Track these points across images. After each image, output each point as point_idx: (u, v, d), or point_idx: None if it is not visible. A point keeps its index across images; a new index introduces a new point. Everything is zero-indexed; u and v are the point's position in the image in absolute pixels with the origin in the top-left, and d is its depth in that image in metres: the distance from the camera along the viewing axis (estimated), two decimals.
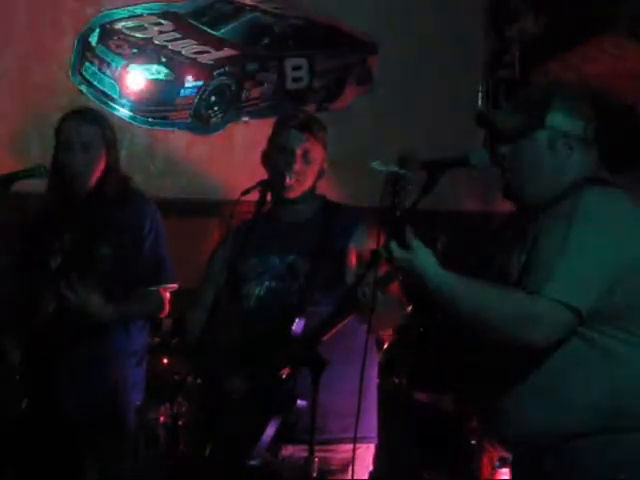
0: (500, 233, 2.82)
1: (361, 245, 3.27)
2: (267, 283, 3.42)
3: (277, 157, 3.41)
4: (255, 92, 5.70)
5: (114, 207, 3.78)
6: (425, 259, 2.55)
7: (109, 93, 5.57)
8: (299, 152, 3.37)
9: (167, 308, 3.89)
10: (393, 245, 2.55)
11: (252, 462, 3.14)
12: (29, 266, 3.84)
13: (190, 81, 5.63)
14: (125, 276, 3.74)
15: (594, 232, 2.49)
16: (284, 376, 3.05)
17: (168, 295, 3.86)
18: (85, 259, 3.69)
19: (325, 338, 2.97)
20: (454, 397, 4.52)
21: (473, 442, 4.23)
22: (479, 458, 4.13)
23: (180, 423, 4.18)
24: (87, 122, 3.81)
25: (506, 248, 2.66)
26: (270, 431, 3.10)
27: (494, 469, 4.07)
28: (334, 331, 3.04)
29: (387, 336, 3.40)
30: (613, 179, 2.64)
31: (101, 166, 3.79)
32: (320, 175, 3.46)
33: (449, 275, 2.54)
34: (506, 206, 2.82)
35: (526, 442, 2.60)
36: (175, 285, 3.88)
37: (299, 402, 3.09)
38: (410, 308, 3.51)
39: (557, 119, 2.62)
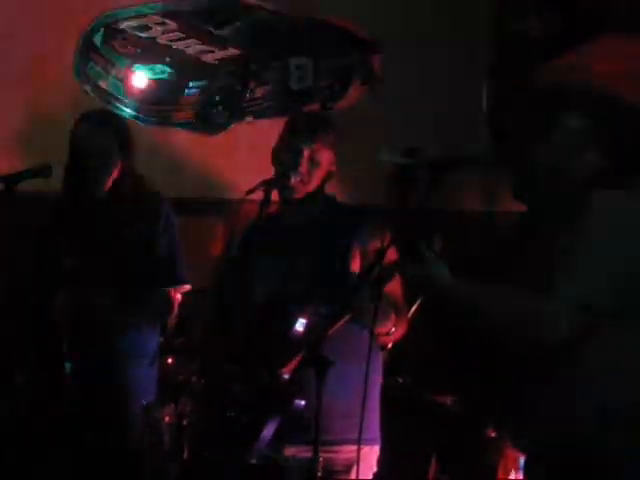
0: (509, 235, 2.82)
1: (365, 244, 3.27)
2: (271, 283, 3.42)
3: (284, 157, 3.41)
4: (259, 92, 5.69)
5: (130, 208, 3.78)
6: (438, 272, 2.55)
7: (113, 93, 5.57)
8: (306, 153, 3.37)
9: (176, 310, 3.89)
10: (405, 260, 2.56)
11: (252, 461, 3.15)
12: (42, 266, 3.84)
13: (194, 81, 5.63)
14: (140, 276, 3.74)
15: (610, 234, 2.49)
16: (285, 376, 3.06)
17: (179, 297, 3.86)
18: (100, 260, 3.69)
19: (328, 335, 2.97)
20: (468, 399, 4.51)
21: (491, 445, 4.22)
22: (496, 461, 4.12)
23: (185, 423, 4.17)
24: (103, 126, 3.79)
25: (518, 250, 2.66)
26: (269, 430, 3.10)
27: (511, 472, 4.06)
28: (336, 327, 3.05)
29: (389, 339, 3.37)
30: (623, 180, 2.65)
31: (117, 168, 3.79)
32: (328, 177, 3.46)
33: (462, 285, 2.55)
34: (508, 205, 2.82)
35: (541, 444, 2.59)
36: (188, 286, 3.87)
37: (296, 402, 3.09)
38: (416, 307, 3.51)
39: (569, 120, 2.62)
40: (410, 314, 3.51)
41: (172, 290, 3.85)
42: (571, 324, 2.45)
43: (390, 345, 3.63)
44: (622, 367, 2.51)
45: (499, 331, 2.54)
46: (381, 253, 2.74)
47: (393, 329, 3.28)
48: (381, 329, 3.26)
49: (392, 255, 2.85)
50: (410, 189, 2.67)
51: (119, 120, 3.94)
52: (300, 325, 3.20)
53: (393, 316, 3.27)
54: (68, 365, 3.72)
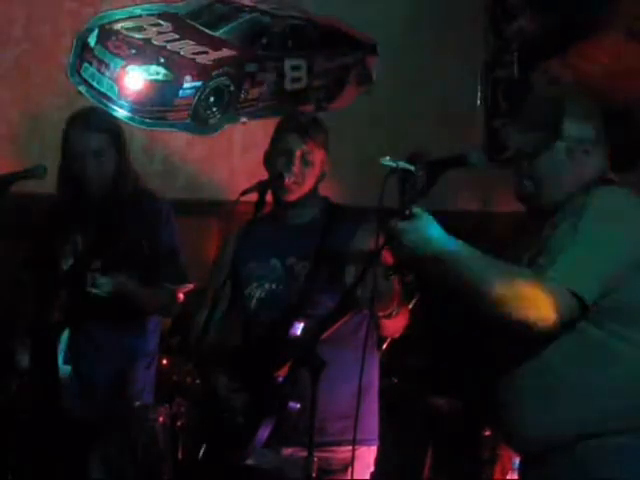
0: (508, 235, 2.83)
1: (362, 246, 3.26)
2: (267, 285, 3.42)
3: (277, 159, 3.41)
4: (254, 92, 5.69)
5: (128, 208, 3.76)
6: (429, 224, 2.54)
7: (108, 94, 5.57)
8: (298, 154, 3.37)
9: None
10: (396, 219, 2.55)
11: (247, 462, 3.15)
12: (38, 267, 3.83)
13: (189, 82, 5.62)
14: (141, 276, 3.72)
15: (604, 227, 2.50)
16: (280, 378, 3.06)
17: (182, 296, 3.84)
18: (99, 260, 3.68)
19: (323, 336, 2.97)
20: (464, 400, 4.51)
21: (486, 446, 4.21)
22: (492, 462, 4.12)
23: (179, 424, 4.18)
24: (96, 128, 3.76)
25: (517, 249, 2.66)
26: (263, 432, 3.10)
27: (507, 473, 4.06)
28: (332, 329, 3.04)
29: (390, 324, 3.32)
30: (619, 178, 2.67)
31: (113, 169, 3.77)
32: (321, 177, 3.46)
33: (455, 241, 2.54)
34: (504, 206, 2.83)
35: (533, 444, 2.60)
36: (191, 285, 3.85)
37: (291, 404, 3.09)
38: (414, 302, 3.48)
39: (572, 128, 2.65)
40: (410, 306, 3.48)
41: (177, 289, 3.83)
42: (557, 308, 2.45)
43: (386, 345, 3.62)
44: (620, 369, 2.52)
45: (483, 300, 2.51)
46: (376, 253, 2.73)
47: (394, 312, 3.21)
48: (383, 310, 3.19)
49: (386, 255, 2.84)
50: (414, 189, 2.65)
51: (111, 118, 3.92)
52: (297, 328, 3.19)
53: (395, 298, 3.20)
54: (67, 367, 3.71)
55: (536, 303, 2.45)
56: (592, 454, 2.50)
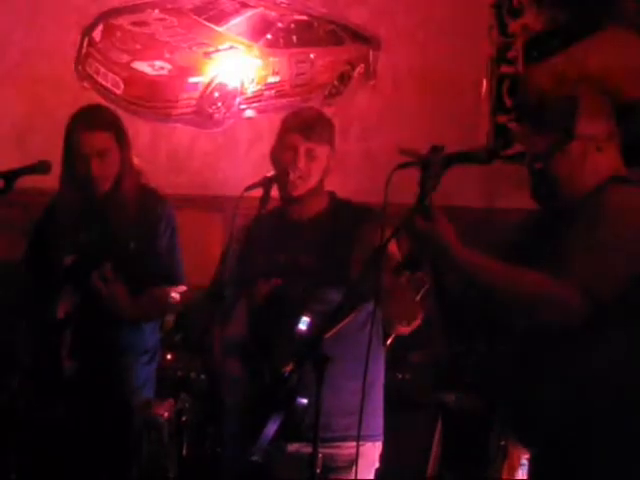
0: (519, 233, 2.83)
1: (368, 241, 3.26)
2: (274, 281, 3.42)
3: (282, 155, 3.42)
4: (259, 88, 5.70)
5: (131, 206, 3.76)
6: (446, 231, 2.56)
7: (112, 89, 5.57)
8: (303, 150, 3.38)
9: (176, 309, 3.87)
10: (416, 217, 2.56)
11: (254, 458, 3.15)
12: (39, 265, 3.83)
13: (193, 77, 5.63)
14: (141, 275, 3.72)
15: (621, 226, 2.50)
16: (286, 373, 3.06)
17: (177, 296, 3.84)
18: (102, 258, 3.68)
19: (329, 335, 2.97)
20: (475, 396, 4.50)
21: (495, 443, 4.20)
22: (501, 460, 4.12)
23: (183, 419, 4.18)
24: (100, 128, 3.74)
25: (531, 249, 2.67)
26: (271, 428, 3.10)
27: (515, 471, 4.05)
28: (338, 328, 3.04)
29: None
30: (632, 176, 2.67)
31: (117, 168, 3.77)
32: (326, 173, 3.46)
33: (469, 250, 2.55)
34: (508, 202, 2.82)
35: (549, 439, 2.59)
36: (184, 287, 3.85)
37: (298, 399, 3.09)
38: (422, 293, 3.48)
39: (585, 126, 2.63)
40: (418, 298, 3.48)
41: (169, 289, 3.83)
42: (573, 309, 2.46)
43: (390, 340, 3.62)
44: (625, 368, 2.52)
45: (510, 303, 2.53)
46: (382, 248, 2.74)
47: (413, 320, 3.22)
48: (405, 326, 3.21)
49: (393, 248, 2.85)
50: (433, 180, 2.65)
51: (114, 116, 3.91)
52: (303, 323, 3.20)
53: (418, 315, 3.21)
54: (70, 364, 3.72)
55: (549, 306, 2.47)
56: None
